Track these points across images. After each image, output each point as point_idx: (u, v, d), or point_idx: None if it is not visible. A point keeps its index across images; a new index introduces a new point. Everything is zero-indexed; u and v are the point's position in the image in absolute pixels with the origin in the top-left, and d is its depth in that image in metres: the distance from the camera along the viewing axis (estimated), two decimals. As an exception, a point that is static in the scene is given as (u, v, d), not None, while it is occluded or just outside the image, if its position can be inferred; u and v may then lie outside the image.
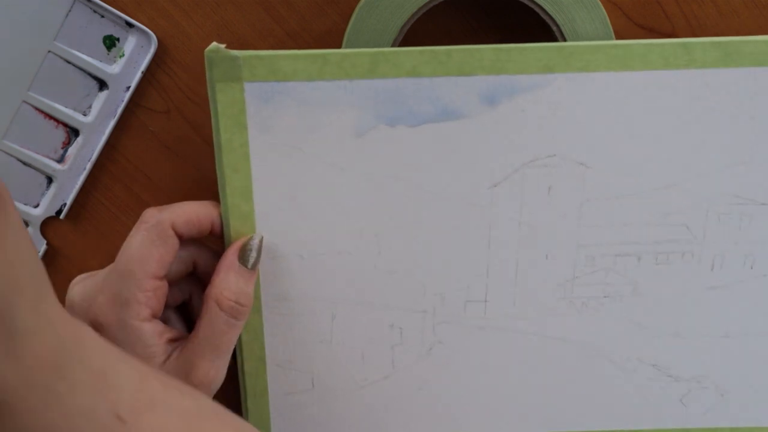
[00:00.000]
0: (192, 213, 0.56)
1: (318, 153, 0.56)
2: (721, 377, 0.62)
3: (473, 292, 0.60)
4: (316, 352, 0.61)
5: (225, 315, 0.55)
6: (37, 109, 0.60)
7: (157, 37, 0.59)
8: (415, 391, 0.63)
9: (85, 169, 0.61)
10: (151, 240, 0.54)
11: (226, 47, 0.53)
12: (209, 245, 0.59)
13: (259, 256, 0.57)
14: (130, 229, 0.55)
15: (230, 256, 0.56)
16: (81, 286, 0.55)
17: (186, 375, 0.54)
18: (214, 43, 0.53)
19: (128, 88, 0.60)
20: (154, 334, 0.54)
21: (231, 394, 0.62)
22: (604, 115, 0.55)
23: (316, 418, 0.64)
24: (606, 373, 0.62)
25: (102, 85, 0.60)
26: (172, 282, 0.56)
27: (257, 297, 0.59)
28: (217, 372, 0.56)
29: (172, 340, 0.55)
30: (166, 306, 0.56)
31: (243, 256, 0.56)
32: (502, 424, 0.64)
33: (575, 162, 0.56)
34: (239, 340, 0.60)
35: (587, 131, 0.56)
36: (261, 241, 0.57)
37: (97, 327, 0.52)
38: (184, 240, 0.56)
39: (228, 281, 0.55)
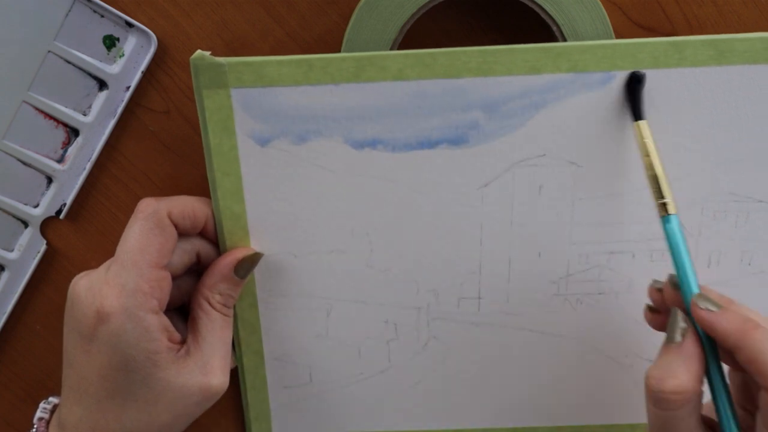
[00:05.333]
0: (188, 205, 0.56)
1: (306, 155, 0.56)
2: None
3: (467, 290, 0.60)
4: (313, 347, 0.62)
5: (220, 315, 0.56)
6: (37, 109, 0.59)
7: (157, 37, 0.58)
8: (411, 386, 0.63)
9: (85, 169, 0.61)
10: (150, 229, 0.53)
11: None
12: (211, 238, 0.58)
13: (253, 269, 0.58)
14: (130, 229, 0.55)
15: (227, 266, 0.56)
16: (86, 279, 0.54)
17: (204, 376, 0.55)
18: (199, 51, 0.53)
19: (128, 88, 0.59)
20: (160, 328, 0.53)
21: (231, 388, 0.61)
22: (593, 114, 0.55)
23: (315, 411, 0.64)
24: (603, 367, 0.62)
25: (102, 85, 0.60)
26: (176, 275, 0.56)
27: (252, 293, 0.60)
28: (229, 368, 0.57)
29: (173, 340, 0.55)
30: (167, 308, 0.56)
31: (240, 269, 0.56)
32: (498, 418, 0.63)
33: (565, 161, 0.56)
34: (237, 334, 0.61)
35: (576, 131, 0.55)
36: (259, 259, 0.58)
37: (104, 317, 0.52)
38: (180, 231, 0.55)
39: (220, 287, 0.56)
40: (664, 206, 0.51)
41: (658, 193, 0.51)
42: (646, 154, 0.52)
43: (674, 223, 0.50)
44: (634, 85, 0.53)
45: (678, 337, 0.48)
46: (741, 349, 0.46)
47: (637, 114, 0.53)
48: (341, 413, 0.63)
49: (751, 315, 0.47)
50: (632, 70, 0.53)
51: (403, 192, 0.56)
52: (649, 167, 0.52)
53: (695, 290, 0.49)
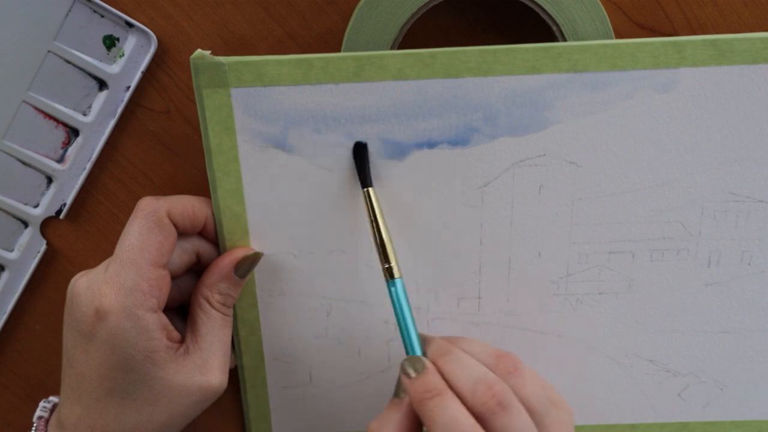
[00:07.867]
0: (188, 204, 0.55)
1: (306, 155, 0.56)
2: (720, 372, 0.61)
3: (466, 290, 0.59)
4: (313, 347, 0.61)
5: (220, 314, 0.55)
6: (37, 109, 0.59)
7: (157, 37, 0.58)
8: (411, 386, 0.61)
9: (85, 169, 0.60)
10: (149, 228, 0.53)
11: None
12: (211, 238, 0.58)
13: (253, 269, 0.57)
14: (130, 229, 0.54)
15: (227, 265, 0.56)
16: (85, 278, 0.54)
17: (203, 375, 0.54)
18: (199, 50, 0.53)
19: (128, 88, 0.59)
20: (158, 326, 0.53)
21: (231, 387, 0.61)
22: (593, 114, 0.54)
23: (315, 411, 0.63)
24: (602, 367, 0.61)
25: (102, 85, 0.59)
26: (175, 274, 0.56)
27: (252, 293, 0.59)
28: (228, 368, 0.56)
29: (172, 339, 0.54)
30: (167, 307, 0.55)
31: (240, 269, 0.56)
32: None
33: (566, 161, 0.56)
34: (237, 334, 0.61)
35: (577, 131, 0.55)
36: (259, 259, 0.57)
37: (103, 315, 0.52)
38: (180, 231, 0.55)
39: (220, 287, 0.56)
40: (389, 271, 0.53)
41: (384, 258, 0.53)
42: (374, 220, 0.53)
43: (398, 287, 0.53)
44: (360, 153, 0.55)
45: (401, 394, 0.50)
46: (421, 418, 0.48)
47: (364, 181, 0.54)
48: (341, 413, 0.63)
49: (438, 381, 0.48)
50: (356, 140, 0.55)
51: (403, 191, 0.56)
52: (377, 232, 0.53)
53: (413, 352, 0.52)
